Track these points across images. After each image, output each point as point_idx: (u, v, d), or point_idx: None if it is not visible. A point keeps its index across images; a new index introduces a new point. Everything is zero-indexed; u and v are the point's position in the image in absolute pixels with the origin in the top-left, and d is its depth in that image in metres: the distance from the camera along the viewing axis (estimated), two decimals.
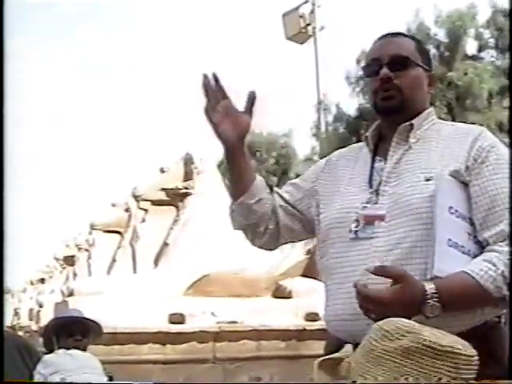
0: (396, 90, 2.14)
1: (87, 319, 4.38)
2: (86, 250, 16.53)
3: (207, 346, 8.70)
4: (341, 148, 2.41)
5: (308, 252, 10.37)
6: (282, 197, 2.36)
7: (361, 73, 27.87)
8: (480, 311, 1.94)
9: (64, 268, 20.18)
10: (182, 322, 8.93)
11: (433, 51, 27.42)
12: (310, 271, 10.12)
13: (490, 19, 26.35)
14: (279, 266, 10.23)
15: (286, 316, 9.05)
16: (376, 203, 2.07)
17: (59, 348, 4.12)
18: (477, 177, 2.00)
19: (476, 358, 1.67)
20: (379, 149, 2.20)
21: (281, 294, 10.03)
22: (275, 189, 2.40)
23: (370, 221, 2.05)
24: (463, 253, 1.94)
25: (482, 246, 1.97)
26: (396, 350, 1.63)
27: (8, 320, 18.81)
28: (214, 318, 8.98)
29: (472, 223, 1.99)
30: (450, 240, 1.92)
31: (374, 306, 1.81)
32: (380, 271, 1.85)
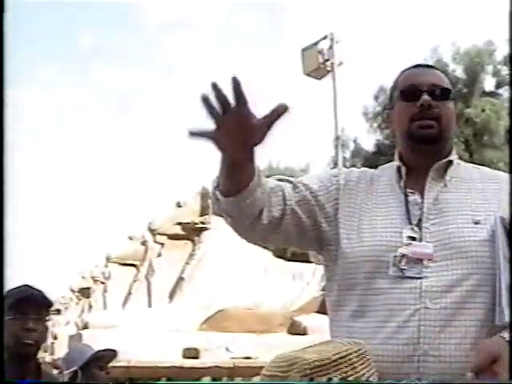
0: (435, 120, 2.06)
1: (111, 350, 4.45)
2: (102, 282, 16.55)
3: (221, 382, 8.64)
4: None
5: (323, 288, 10.32)
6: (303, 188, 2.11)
7: (379, 108, 27.94)
8: None
9: (80, 300, 20.19)
10: (196, 357, 8.88)
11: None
12: (325, 307, 10.04)
13: (507, 56, 26.41)
14: (294, 301, 10.18)
15: None
16: (420, 240, 1.98)
17: (86, 382, 4.16)
18: None
19: (363, 347, 1.67)
20: (407, 182, 2.10)
21: (296, 330, 9.96)
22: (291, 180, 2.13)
23: (417, 259, 1.95)
24: None
25: None
26: None
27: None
28: (228, 353, 8.93)
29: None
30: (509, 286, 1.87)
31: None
32: (477, 369, 1.74)
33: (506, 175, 2.12)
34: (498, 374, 1.72)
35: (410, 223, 2.01)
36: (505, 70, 26.92)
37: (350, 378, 1.60)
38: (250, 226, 2.05)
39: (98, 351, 4.39)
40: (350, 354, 1.64)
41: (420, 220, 2.01)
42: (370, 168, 2.30)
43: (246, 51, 63.24)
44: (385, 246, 1.99)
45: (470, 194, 2.04)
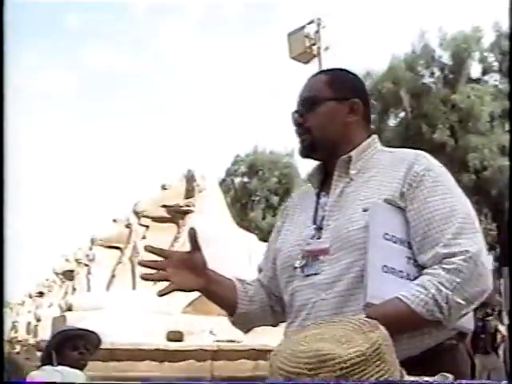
0: (306, 133, 2.20)
1: (90, 331, 4.33)
2: (86, 264, 16.50)
3: (205, 365, 8.65)
4: None
5: None
6: (266, 280, 2.39)
7: None
8: (428, 335, 1.97)
9: (63, 282, 20.14)
10: (180, 340, 8.89)
11: (437, 73, 27.48)
12: None
13: (494, 43, 26.44)
14: None
15: None
16: (319, 238, 2.10)
17: (61, 363, 4.06)
18: (412, 202, 2.02)
19: (384, 331, 1.58)
20: (324, 185, 2.23)
21: None
22: (261, 274, 2.43)
23: (314, 256, 2.08)
24: (402, 277, 1.96)
25: (422, 269, 1.98)
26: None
27: (5, 333, 18.77)
28: (212, 336, 8.94)
29: (411, 247, 2.01)
30: (385, 266, 1.95)
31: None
32: None
33: (411, 152, 2.16)
34: None
35: (315, 223, 2.14)
36: (491, 57, 26.96)
37: (382, 372, 1.48)
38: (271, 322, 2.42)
39: (66, 330, 4.33)
40: (381, 344, 1.51)
41: (323, 219, 2.13)
42: None
43: (233, 35, 62.93)
44: (293, 250, 2.16)
45: (369, 182, 2.10)
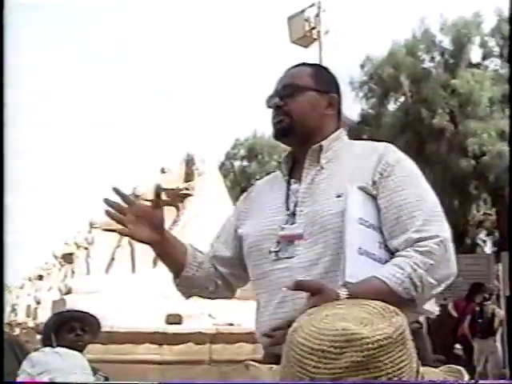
0: (285, 116, 2.28)
1: (87, 313, 4.34)
2: (85, 248, 16.51)
3: (204, 348, 8.68)
4: None
5: None
6: (216, 253, 2.46)
7: (365, 78, 27.90)
8: None
9: (62, 266, 20.15)
10: (179, 323, 8.92)
11: (437, 58, 27.41)
12: None
13: (495, 28, 26.34)
14: None
15: None
16: (293, 223, 2.18)
17: (58, 345, 4.07)
18: (383, 190, 2.13)
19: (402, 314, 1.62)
20: (294, 172, 2.32)
21: None
22: (211, 248, 2.50)
23: (289, 241, 2.17)
24: (374, 260, 2.06)
25: (392, 254, 2.09)
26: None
27: (5, 316, 18.79)
28: (211, 319, 8.97)
29: (381, 233, 2.12)
30: (360, 248, 2.04)
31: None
32: (298, 286, 1.94)
33: (381, 143, 2.28)
34: (313, 303, 1.84)
35: (288, 209, 2.23)
36: (492, 42, 26.88)
37: (404, 357, 1.48)
38: (211, 294, 2.48)
39: (62, 312, 4.35)
40: (405, 329, 1.51)
41: (296, 205, 2.21)
42: (355, 137, 2.45)
43: (233, 18, 62.70)
44: (264, 234, 2.24)
45: (341, 171, 2.20)
